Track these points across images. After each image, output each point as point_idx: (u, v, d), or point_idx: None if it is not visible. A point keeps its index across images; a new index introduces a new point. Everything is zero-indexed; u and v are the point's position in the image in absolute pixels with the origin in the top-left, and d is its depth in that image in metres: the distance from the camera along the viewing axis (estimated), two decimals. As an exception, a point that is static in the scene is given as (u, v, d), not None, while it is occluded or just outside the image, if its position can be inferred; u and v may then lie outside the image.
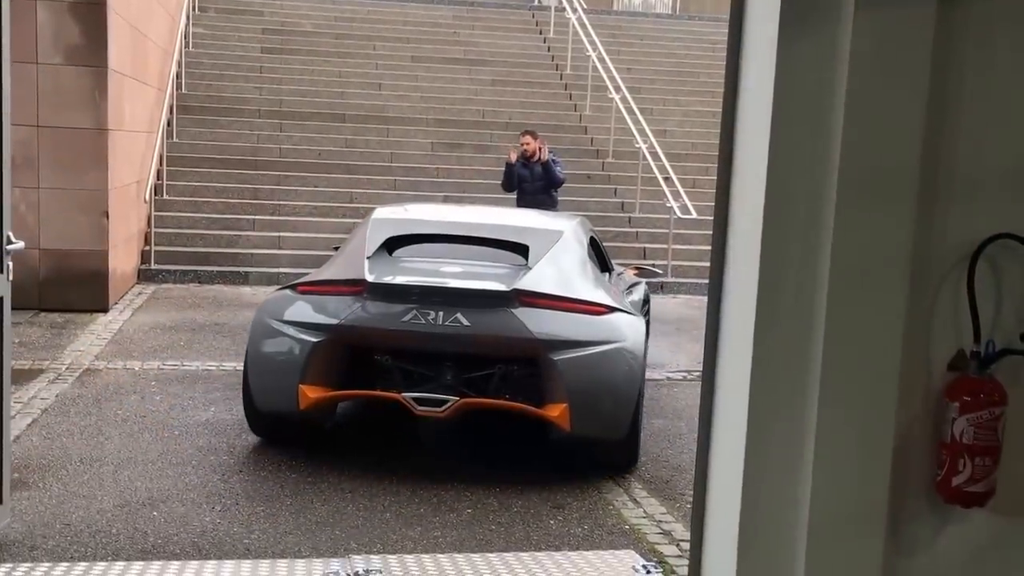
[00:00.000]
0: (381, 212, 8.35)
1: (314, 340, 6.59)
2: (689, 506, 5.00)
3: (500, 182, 13.64)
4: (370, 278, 6.70)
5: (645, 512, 6.14)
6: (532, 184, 13.10)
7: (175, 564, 5.05)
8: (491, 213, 9.55)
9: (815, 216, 4.03)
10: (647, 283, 9.74)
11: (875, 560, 4.19)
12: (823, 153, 4.00)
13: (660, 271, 10.54)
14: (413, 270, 7.11)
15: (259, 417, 6.98)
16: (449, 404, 6.46)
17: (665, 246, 15.41)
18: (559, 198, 13.50)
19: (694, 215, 15.29)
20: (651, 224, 16.21)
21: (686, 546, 5.06)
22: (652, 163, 16.33)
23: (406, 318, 6.50)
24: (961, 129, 4.13)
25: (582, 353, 6.49)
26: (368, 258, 7.06)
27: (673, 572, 5.19)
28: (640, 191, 16.56)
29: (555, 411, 6.46)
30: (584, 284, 7.18)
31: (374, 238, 7.41)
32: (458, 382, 6.72)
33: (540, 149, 13.14)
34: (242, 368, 7.07)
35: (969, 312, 4.14)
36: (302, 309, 6.84)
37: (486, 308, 6.55)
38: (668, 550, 5.59)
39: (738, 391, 4.23)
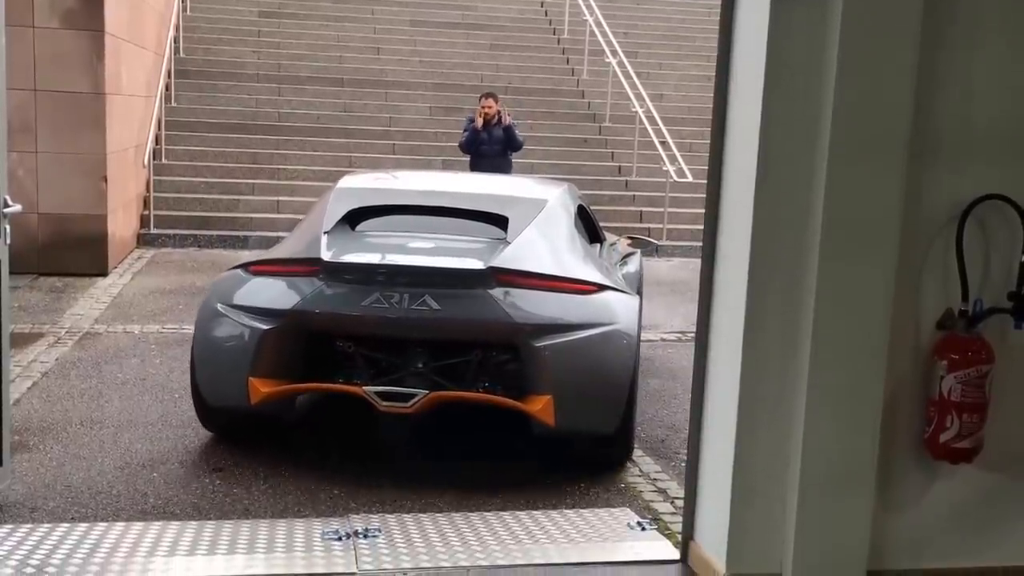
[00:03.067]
0: (346, 181, 7.62)
1: (264, 328, 5.92)
2: (684, 464, 5.05)
3: (459, 143, 13.55)
4: (326, 257, 6.02)
5: (640, 471, 6.19)
6: (490, 147, 13.05)
7: (175, 525, 5.10)
8: (469, 181, 8.78)
9: (807, 179, 4.07)
10: (642, 253, 9.02)
11: (865, 513, 4.26)
12: (815, 116, 4.04)
13: (655, 241, 9.78)
14: (376, 246, 6.48)
15: (208, 412, 6.34)
16: (417, 399, 5.80)
17: (661, 210, 15.45)
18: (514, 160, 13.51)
19: (690, 179, 15.28)
20: (647, 188, 16.20)
21: (680, 503, 5.12)
22: (648, 127, 16.32)
23: (367, 302, 5.82)
24: (951, 92, 4.17)
25: (568, 338, 5.80)
26: (326, 233, 6.36)
27: (668, 529, 5.25)
28: (637, 155, 16.53)
29: (537, 404, 5.80)
30: (571, 259, 6.47)
31: (335, 210, 6.68)
32: (430, 370, 6.07)
33: (500, 112, 13.15)
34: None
35: (957, 271, 4.20)
36: (253, 292, 6.14)
37: (458, 289, 5.87)
38: (663, 507, 5.64)
39: (731, 351, 4.28)
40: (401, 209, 6.93)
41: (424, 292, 5.80)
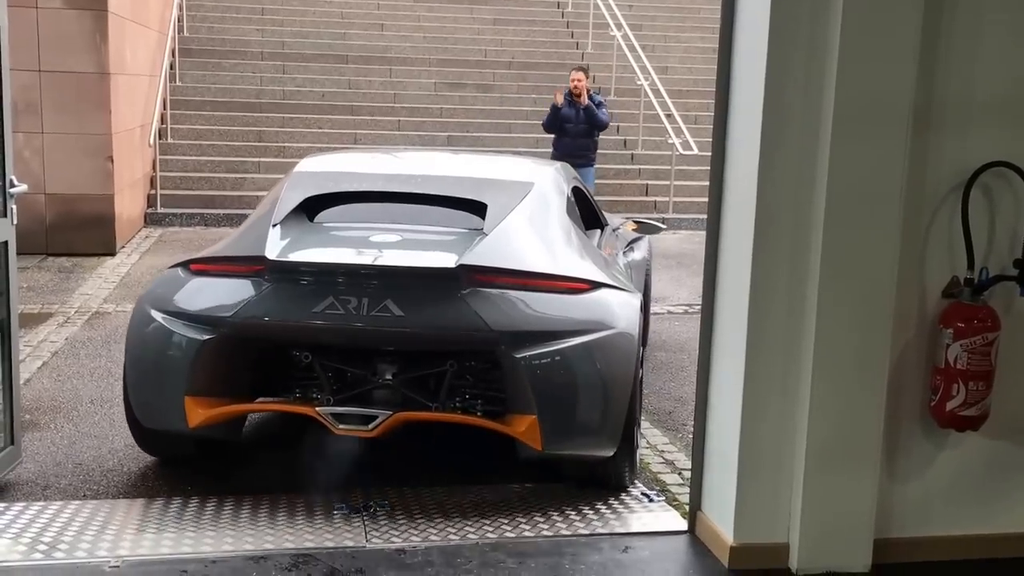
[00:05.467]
0: (307, 163, 6.66)
1: (202, 339, 5.08)
2: (691, 436, 5.06)
3: (542, 123, 13.20)
4: (271, 255, 5.17)
5: (648, 443, 6.19)
6: (576, 126, 12.60)
7: (186, 501, 5.14)
8: (447, 161, 7.69)
9: (811, 148, 4.08)
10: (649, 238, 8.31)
11: (871, 482, 4.28)
12: (819, 86, 4.04)
13: (662, 225, 8.86)
14: (332, 241, 5.63)
15: (145, 436, 5.53)
16: (379, 421, 5.01)
17: (667, 183, 15.44)
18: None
19: (696, 151, 15.25)
20: (653, 161, 16.20)
21: (688, 475, 5.13)
22: (654, 100, 16.28)
23: (319, 308, 4.98)
24: (955, 59, 4.17)
25: (555, 347, 4.94)
26: (276, 226, 5.52)
27: (676, 500, 5.26)
28: (642, 128, 16.53)
29: (520, 425, 4.99)
30: (561, 252, 5.57)
31: (289, 198, 5.80)
32: (397, 384, 5.27)
33: (588, 89, 12.74)
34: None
35: (963, 239, 4.20)
36: (192, 295, 5.29)
37: (425, 291, 5.01)
38: (670, 479, 5.65)
39: (737, 322, 4.30)
40: (366, 196, 6.06)
41: (386, 296, 4.99)
